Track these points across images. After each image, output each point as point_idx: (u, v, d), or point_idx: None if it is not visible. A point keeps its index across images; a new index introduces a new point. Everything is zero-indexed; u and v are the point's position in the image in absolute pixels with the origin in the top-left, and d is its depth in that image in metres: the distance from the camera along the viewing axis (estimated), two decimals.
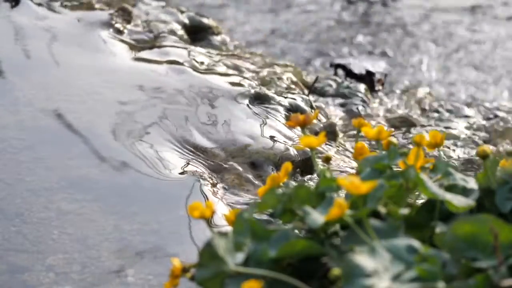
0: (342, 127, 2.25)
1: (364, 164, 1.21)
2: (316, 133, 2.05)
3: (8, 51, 2.24)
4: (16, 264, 1.45)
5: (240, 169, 1.82)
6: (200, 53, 2.39)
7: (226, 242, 1.05)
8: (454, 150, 2.17)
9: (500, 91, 3.13)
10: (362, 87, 2.55)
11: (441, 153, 1.45)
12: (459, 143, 2.23)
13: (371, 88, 2.66)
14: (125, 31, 2.47)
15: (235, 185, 1.77)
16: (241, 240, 1.06)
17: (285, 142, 1.92)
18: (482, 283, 0.93)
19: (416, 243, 0.97)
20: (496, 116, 2.49)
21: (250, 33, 3.70)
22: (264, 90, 2.16)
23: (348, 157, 2.02)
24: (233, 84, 2.18)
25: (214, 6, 4.02)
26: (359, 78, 2.74)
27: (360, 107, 2.43)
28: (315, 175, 1.82)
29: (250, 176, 1.81)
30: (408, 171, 1.14)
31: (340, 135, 2.15)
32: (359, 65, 2.77)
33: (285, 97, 2.16)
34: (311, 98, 2.28)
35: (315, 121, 2.13)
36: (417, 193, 1.18)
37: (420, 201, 1.18)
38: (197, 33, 2.63)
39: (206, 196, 1.67)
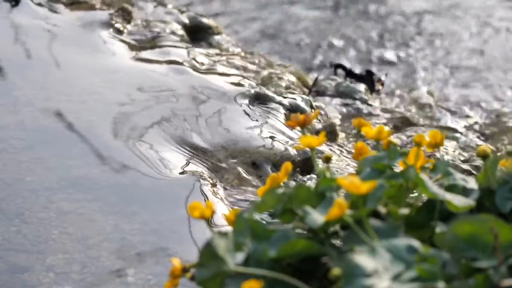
0: (342, 127, 2.25)
1: (364, 164, 1.21)
2: (316, 133, 2.05)
3: (8, 51, 2.24)
4: (16, 264, 1.45)
5: (240, 169, 1.82)
6: (200, 53, 2.39)
7: (226, 242, 1.05)
8: (454, 150, 2.17)
9: (500, 90, 3.13)
10: (362, 87, 2.55)
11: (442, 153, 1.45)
12: (458, 143, 2.23)
13: (371, 88, 2.66)
14: (125, 31, 2.47)
15: (235, 185, 1.77)
16: (241, 240, 1.06)
17: (285, 142, 1.92)
18: (482, 283, 0.93)
19: (416, 243, 0.97)
20: (496, 116, 2.48)
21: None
22: (264, 90, 2.16)
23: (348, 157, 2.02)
24: (233, 84, 2.18)
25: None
26: (359, 78, 2.74)
27: (360, 107, 2.43)
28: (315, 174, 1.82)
29: (250, 176, 1.81)
30: (408, 171, 1.14)
31: (340, 135, 2.15)
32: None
33: (285, 97, 2.16)
34: (311, 98, 2.28)
35: (315, 121, 2.13)
36: (417, 193, 1.18)
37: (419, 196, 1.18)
38: (197, 33, 2.63)
39: (206, 196, 1.67)
